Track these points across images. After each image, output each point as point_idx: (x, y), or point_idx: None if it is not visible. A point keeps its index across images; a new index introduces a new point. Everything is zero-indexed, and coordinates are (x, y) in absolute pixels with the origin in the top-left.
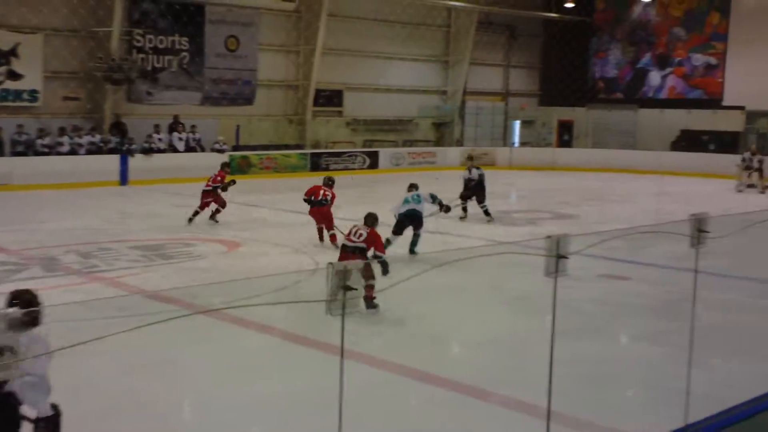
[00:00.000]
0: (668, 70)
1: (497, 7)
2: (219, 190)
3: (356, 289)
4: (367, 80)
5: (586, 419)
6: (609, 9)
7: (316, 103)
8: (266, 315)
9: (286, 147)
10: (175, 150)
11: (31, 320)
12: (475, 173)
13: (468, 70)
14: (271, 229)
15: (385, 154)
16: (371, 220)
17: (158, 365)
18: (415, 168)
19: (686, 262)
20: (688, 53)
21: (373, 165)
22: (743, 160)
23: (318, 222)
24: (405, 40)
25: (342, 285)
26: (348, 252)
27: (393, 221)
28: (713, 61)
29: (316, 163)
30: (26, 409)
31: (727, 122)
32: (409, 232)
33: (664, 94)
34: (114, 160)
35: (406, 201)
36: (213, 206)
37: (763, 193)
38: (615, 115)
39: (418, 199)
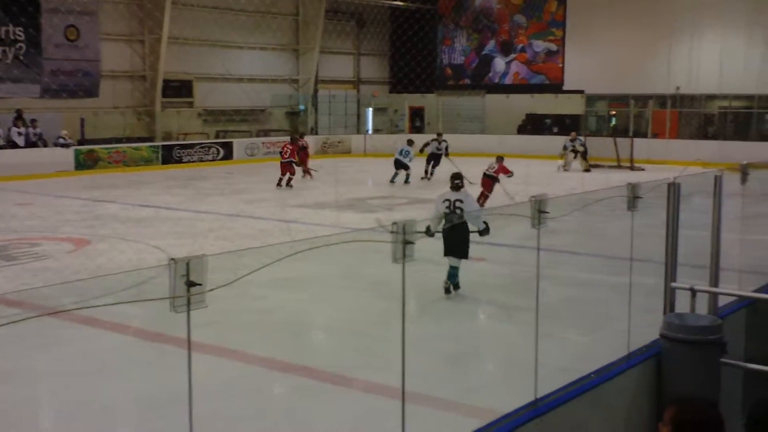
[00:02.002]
0: (512, 56)
1: None
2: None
3: (201, 284)
4: (217, 70)
5: (444, 398)
6: None
7: (165, 94)
8: (119, 313)
9: (136, 140)
10: (15, 145)
11: None
12: (443, 145)
13: (319, 59)
14: (122, 224)
15: (239, 144)
16: (500, 158)
17: (4, 374)
18: (270, 158)
19: (534, 241)
20: (529, 40)
21: (227, 156)
22: (565, 147)
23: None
24: (254, 28)
25: (186, 281)
26: (486, 178)
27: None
28: (553, 47)
29: (167, 156)
30: None
31: (569, 106)
32: None
33: (509, 80)
34: None
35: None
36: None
37: (587, 171)
38: (464, 100)
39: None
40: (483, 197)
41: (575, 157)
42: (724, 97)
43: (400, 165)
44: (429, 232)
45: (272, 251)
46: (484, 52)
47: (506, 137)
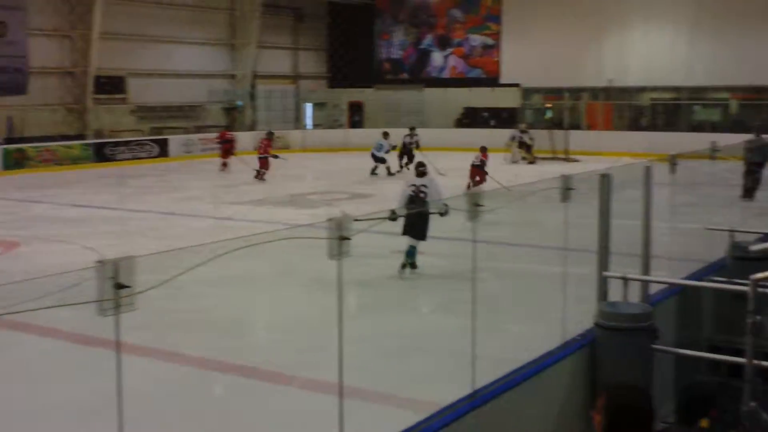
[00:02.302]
0: (449, 50)
1: None
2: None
3: (129, 287)
4: (151, 65)
5: (386, 392)
6: None
7: (96, 91)
8: (50, 318)
9: (67, 138)
10: None
11: None
12: (414, 139)
13: (256, 54)
14: (53, 225)
15: (175, 141)
16: (483, 148)
17: None
18: (207, 154)
19: (473, 234)
20: (466, 34)
21: (163, 153)
22: (513, 138)
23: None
24: (189, 23)
25: (114, 283)
26: (474, 168)
27: None
28: (490, 41)
29: (100, 154)
30: None
31: (505, 99)
32: None
33: (446, 74)
34: None
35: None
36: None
37: (533, 163)
38: (402, 95)
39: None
40: (475, 184)
41: (525, 149)
42: (654, 89)
43: (376, 159)
44: (392, 216)
45: (207, 250)
46: (421, 47)
47: (445, 131)
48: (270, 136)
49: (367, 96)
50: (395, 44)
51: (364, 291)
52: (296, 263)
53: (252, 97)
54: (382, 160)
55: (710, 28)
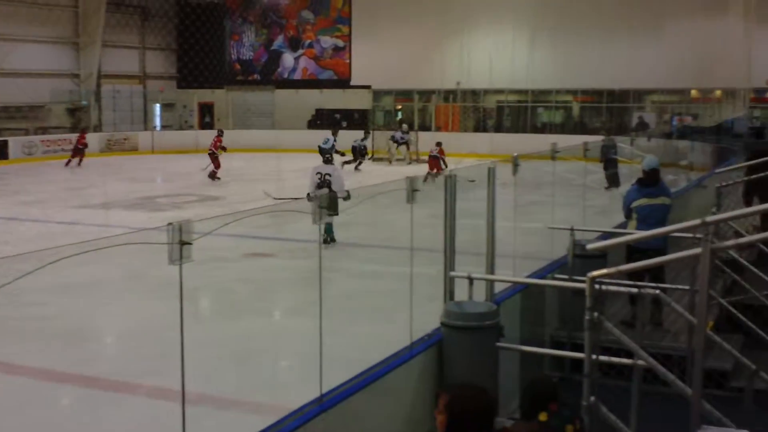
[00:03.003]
0: (300, 51)
1: None
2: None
3: None
4: None
5: (233, 398)
6: None
7: None
8: None
9: None
10: None
11: None
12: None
13: (101, 53)
14: None
15: (15, 143)
16: (439, 143)
17: None
18: (51, 156)
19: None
20: (317, 36)
21: (2, 155)
22: (394, 140)
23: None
24: (29, 20)
25: None
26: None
27: None
28: (340, 43)
29: None
30: None
31: (357, 101)
32: None
33: (298, 75)
34: None
35: None
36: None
37: (410, 164)
38: (254, 96)
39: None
40: (434, 171)
41: (406, 149)
42: (501, 91)
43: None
44: (309, 198)
45: (34, 258)
46: (272, 48)
47: (297, 132)
48: (221, 133)
49: (217, 97)
50: (246, 45)
51: (215, 295)
52: (142, 269)
53: (97, 97)
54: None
55: (549, 33)
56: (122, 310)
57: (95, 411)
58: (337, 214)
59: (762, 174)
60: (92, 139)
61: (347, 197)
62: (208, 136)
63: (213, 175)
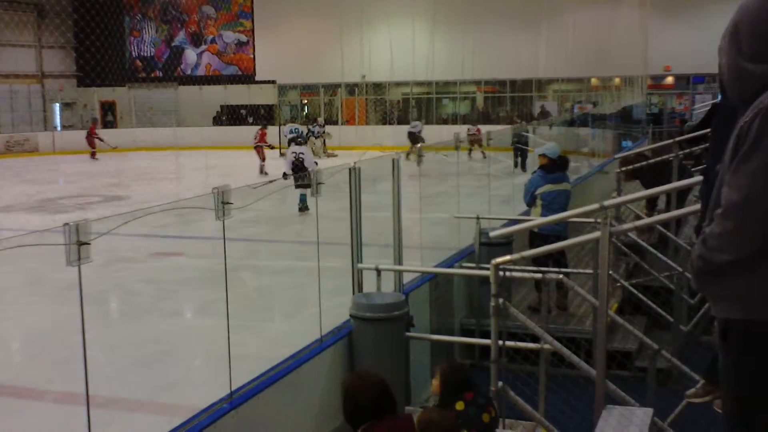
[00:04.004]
0: (203, 47)
1: None
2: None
3: None
4: None
5: (143, 399)
6: None
7: None
8: None
9: None
10: None
11: None
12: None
13: None
14: None
15: None
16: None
17: None
18: None
19: (232, 232)
20: (219, 31)
21: None
22: (313, 134)
23: None
24: None
25: None
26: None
27: None
28: (243, 38)
29: None
30: None
31: (262, 96)
32: None
33: (201, 71)
34: None
35: None
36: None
37: (332, 156)
38: (156, 93)
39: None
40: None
41: (322, 143)
42: (406, 84)
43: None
44: (285, 176)
45: None
46: (174, 44)
47: (203, 129)
48: (265, 126)
49: (119, 95)
50: (146, 41)
51: (120, 296)
52: (43, 272)
53: None
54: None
55: (449, 25)
56: (24, 316)
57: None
58: (309, 187)
59: (644, 162)
60: None
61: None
62: (110, 136)
63: (262, 169)
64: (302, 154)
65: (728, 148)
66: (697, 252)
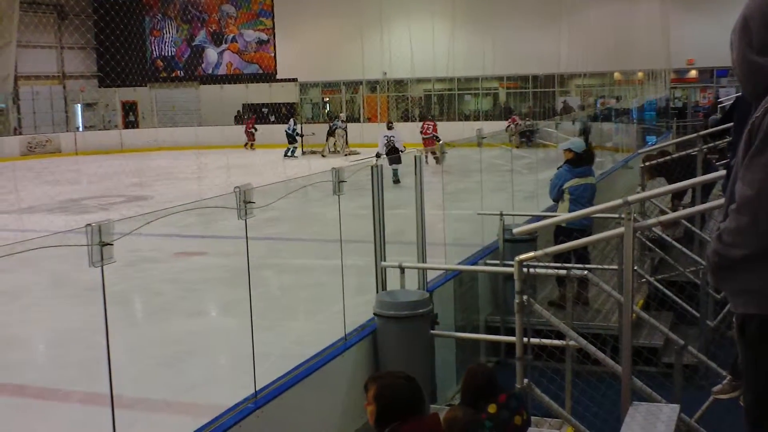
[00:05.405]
0: (224, 46)
1: None
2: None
3: None
4: None
5: (168, 399)
6: None
7: None
8: None
9: None
10: None
11: None
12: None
13: (17, 53)
14: None
15: None
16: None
17: None
18: None
19: (254, 231)
20: (239, 29)
21: None
22: (334, 127)
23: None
24: None
25: None
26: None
27: None
28: (264, 36)
29: None
30: None
31: (283, 94)
32: None
33: (222, 70)
34: None
35: None
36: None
37: (350, 154)
38: (177, 93)
39: None
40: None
41: (344, 141)
42: (427, 80)
43: (288, 136)
44: (378, 156)
45: None
46: (195, 43)
47: (225, 128)
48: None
49: (140, 95)
50: (167, 41)
51: (145, 296)
52: (67, 273)
53: (15, 99)
54: (293, 139)
55: (470, 21)
56: (48, 316)
57: (25, 420)
58: (400, 163)
59: (667, 157)
60: (12, 142)
61: (403, 150)
62: (132, 136)
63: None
64: (393, 137)
65: (741, 143)
66: (713, 247)
